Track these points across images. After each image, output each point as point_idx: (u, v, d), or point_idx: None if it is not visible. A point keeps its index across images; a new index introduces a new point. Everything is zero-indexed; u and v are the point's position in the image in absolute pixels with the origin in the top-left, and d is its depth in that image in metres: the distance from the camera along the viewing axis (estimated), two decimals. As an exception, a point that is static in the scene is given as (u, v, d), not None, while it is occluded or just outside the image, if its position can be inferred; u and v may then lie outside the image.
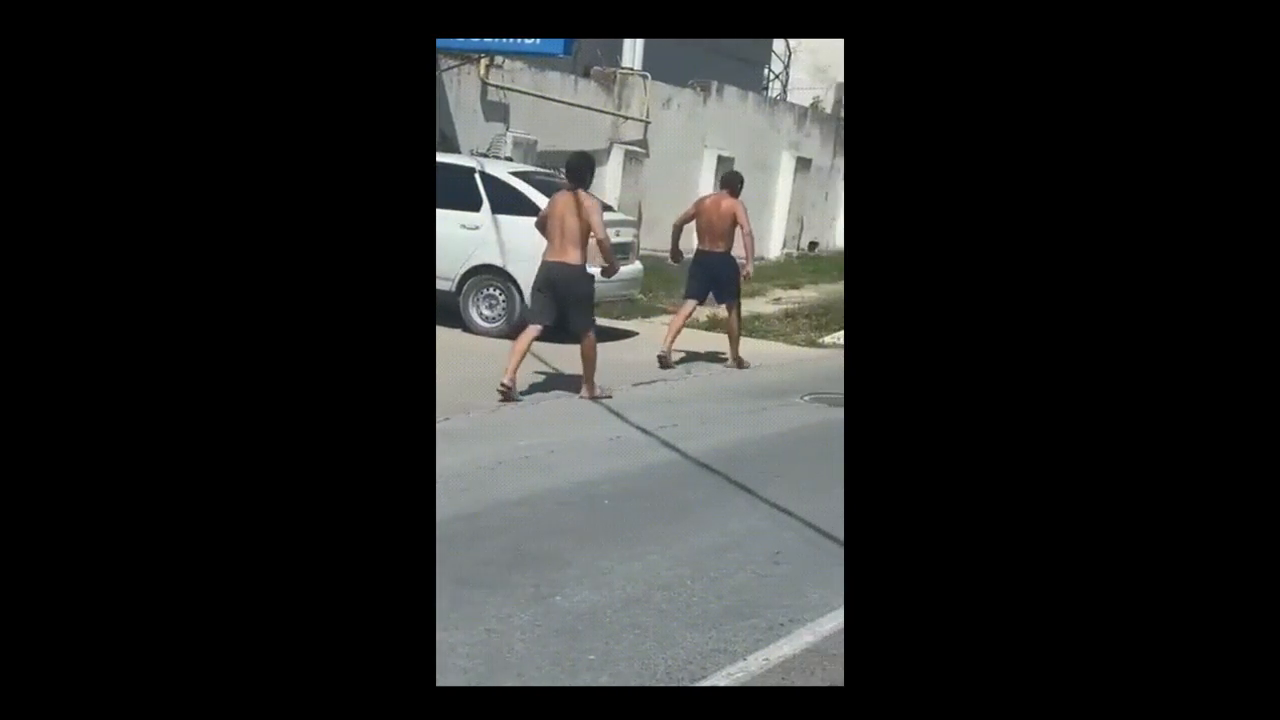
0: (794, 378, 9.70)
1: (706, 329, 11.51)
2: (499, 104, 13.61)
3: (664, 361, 9.59)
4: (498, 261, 10.30)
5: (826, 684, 3.79)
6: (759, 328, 11.60)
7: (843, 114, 21.23)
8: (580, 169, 8.24)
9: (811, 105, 21.07)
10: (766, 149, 18.28)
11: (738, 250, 9.94)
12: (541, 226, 8.23)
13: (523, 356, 7.98)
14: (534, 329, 8.08)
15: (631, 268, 10.88)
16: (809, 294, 14.39)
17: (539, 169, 11.84)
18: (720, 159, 17.07)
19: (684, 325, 9.92)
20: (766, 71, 21.98)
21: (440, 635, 3.49)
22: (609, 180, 15.03)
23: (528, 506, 5.53)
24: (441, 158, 10.22)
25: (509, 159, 12.16)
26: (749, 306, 11.48)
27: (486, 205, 10.42)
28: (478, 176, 10.53)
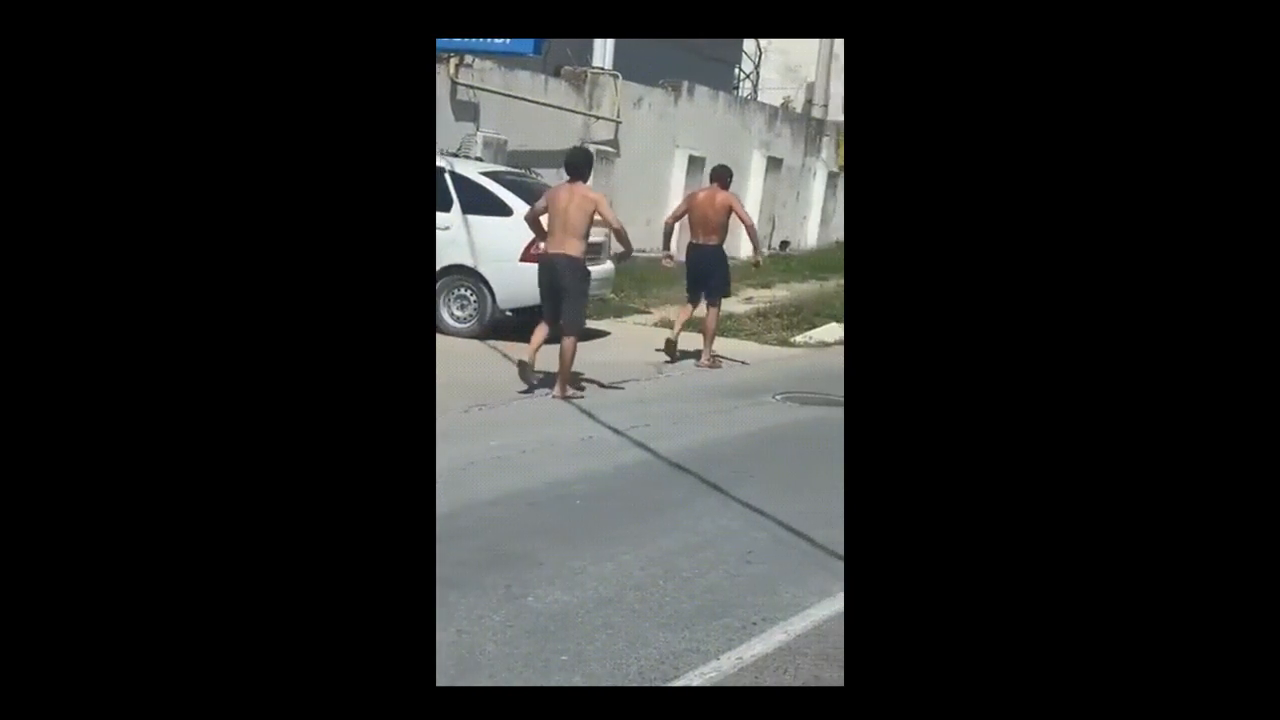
0: (766, 377, 9.72)
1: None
2: (469, 103, 13.57)
3: (670, 350, 9.82)
4: (469, 262, 10.28)
5: (799, 683, 3.80)
6: (731, 327, 11.62)
7: (812, 113, 21.30)
8: (580, 164, 8.36)
9: (782, 105, 21.12)
10: (738, 148, 18.30)
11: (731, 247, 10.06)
12: (532, 221, 8.37)
13: (536, 351, 8.23)
14: (544, 327, 8.33)
15: (602, 268, 10.87)
16: (780, 293, 14.43)
17: (509, 169, 11.82)
18: (691, 158, 17.09)
19: (685, 318, 10.07)
20: (737, 71, 22.00)
21: (411, 637, 3.47)
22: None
23: (500, 507, 5.52)
24: (412, 157, 10.16)
25: (479, 159, 12.13)
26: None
27: (457, 205, 10.39)
28: (448, 176, 10.50)
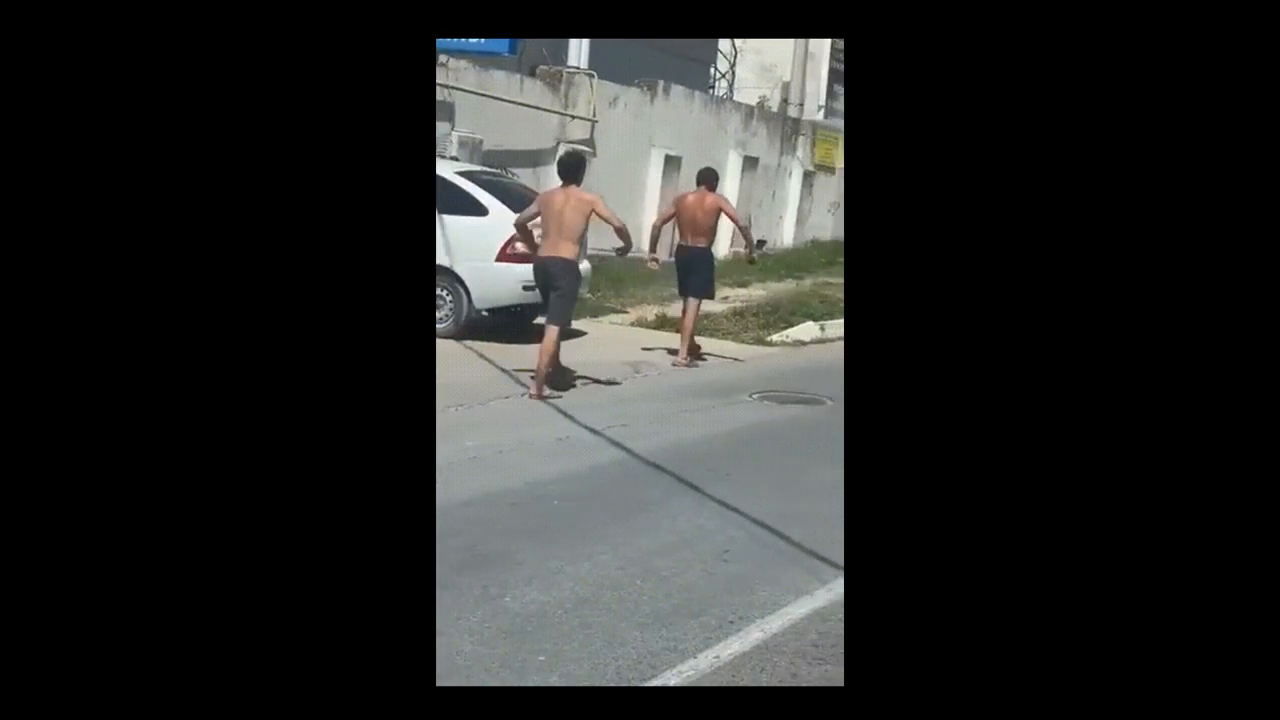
0: (742, 376, 9.74)
1: (655, 327, 11.54)
2: (444, 103, 13.53)
3: (696, 354, 9.98)
4: (445, 262, 10.25)
5: (776, 682, 3.81)
6: (707, 326, 11.62)
7: (788, 113, 21.33)
8: (573, 167, 8.51)
9: (758, 104, 21.14)
10: (714, 148, 18.31)
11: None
12: (521, 227, 8.52)
13: (557, 357, 8.33)
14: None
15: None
16: (757, 293, 14.45)
17: (485, 168, 11.80)
18: (668, 158, 17.10)
19: (694, 322, 10.16)
20: (713, 71, 22.01)
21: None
22: (556, 180, 14.98)
23: (476, 507, 5.51)
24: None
25: (454, 158, 12.11)
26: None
27: (432, 205, 10.37)
28: (424, 176, 10.45)
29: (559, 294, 8.26)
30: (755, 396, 8.85)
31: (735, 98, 21.12)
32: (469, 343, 9.99)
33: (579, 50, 16.12)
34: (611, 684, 3.73)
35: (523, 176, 13.25)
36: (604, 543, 5.11)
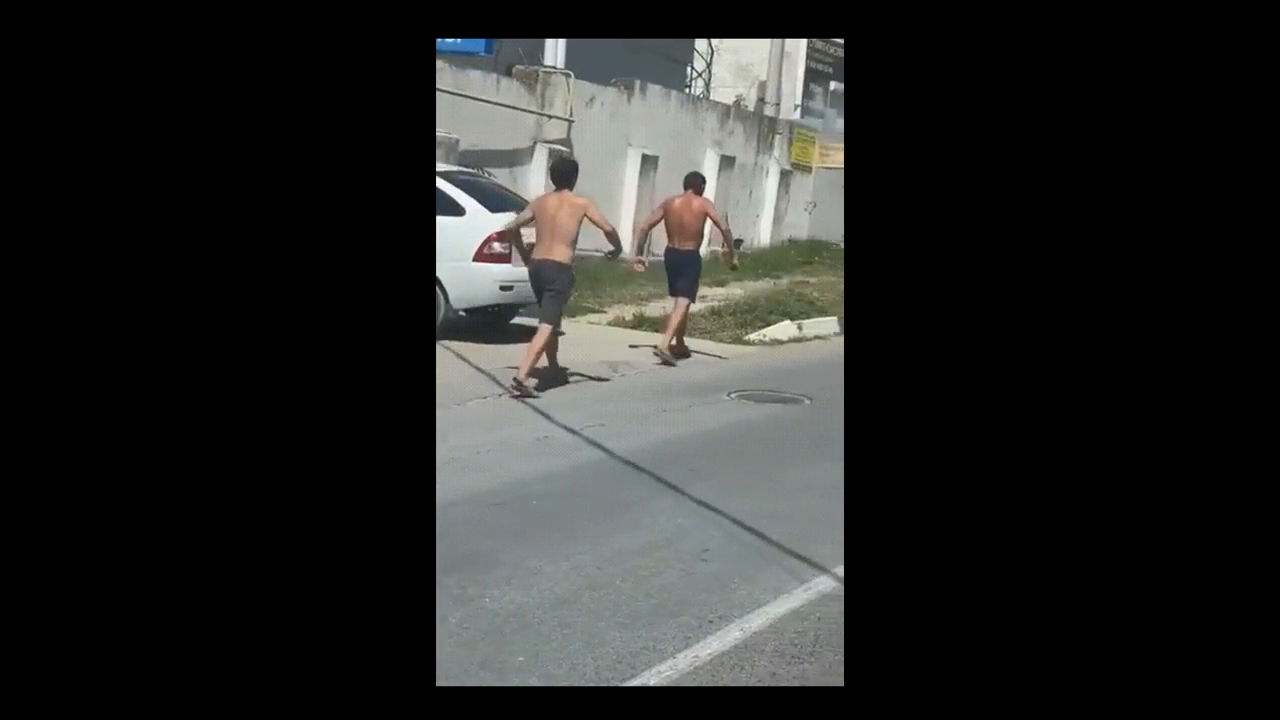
0: (720, 375, 9.75)
1: (632, 327, 11.55)
2: (421, 103, 13.49)
3: (668, 360, 10.01)
4: (421, 262, 10.21)
5: (755, 681, 3.82)
6: (685, 325, 11.62)
7: (764, 112, 21.36)
8: (566, 172, 8.64)
9: (734, 103, 21.16)
10: (691, 147, 18.32)
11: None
12: (515, 233, 8.81)
13: (555, 356, 8.63)
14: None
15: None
16: (734, 292, 14.46)
17: (462, 168, 11.77)
18: (645, 157, 17.09)
19: (683, 321, 10.31)
20: (689, 70, 22.03)
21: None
22: (533, 180, 14.97)
23: (455, 508, 5.49)
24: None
25: (432, 158, 12.06)
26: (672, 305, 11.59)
27: (409, 205, 10.33)
28: (400, 176, 10.42)
29: (552, 295, 8.42)
30: (733, 396, 8.86)
31: (712, 97, 21.14)
32: (446, 343, 9.95)
33: (555, 50, 16.10)
34: (590, 684, 3.73)
35: (499, 176, 13.23)
36: (583, 543, 5.11)
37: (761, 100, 22.15)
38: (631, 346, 10.42)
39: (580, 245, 8.74)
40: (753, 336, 11.76)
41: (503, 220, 10.13)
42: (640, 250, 10.53)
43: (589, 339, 10.78)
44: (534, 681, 3.72)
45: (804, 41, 22.88)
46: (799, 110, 23.16)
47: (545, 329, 8.38)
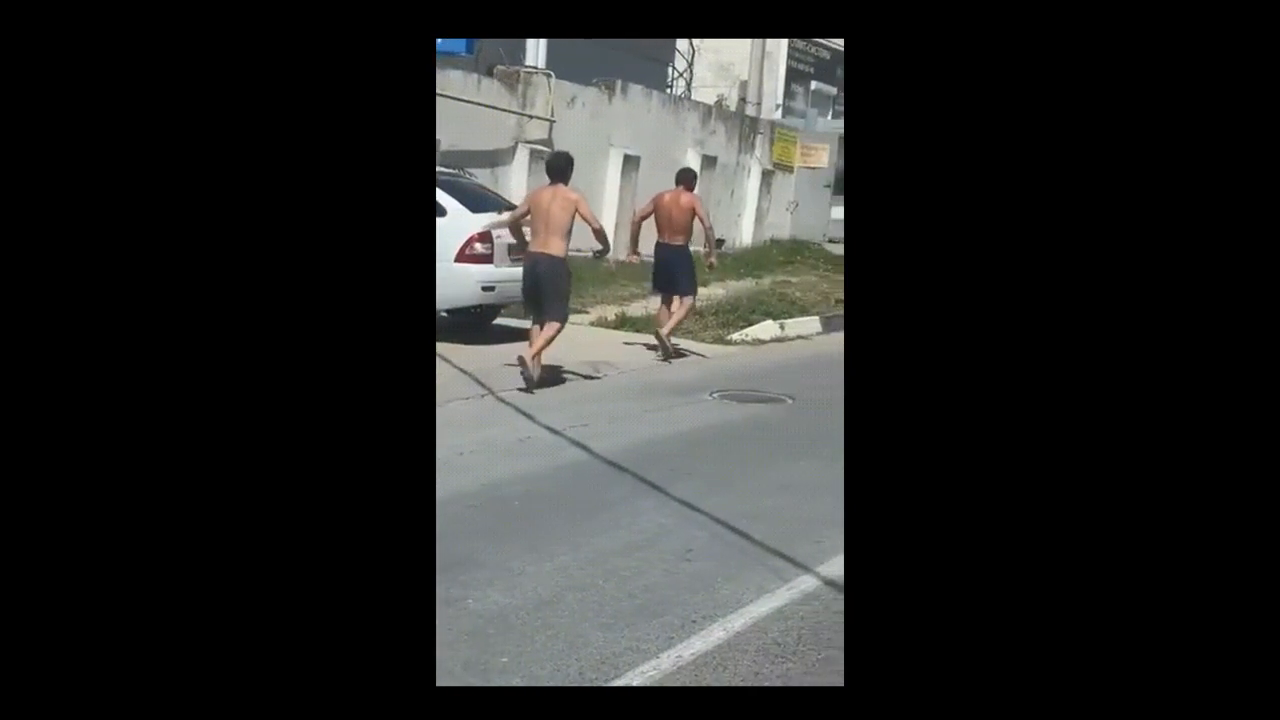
0: (702, 375, 9.75)
1: (614, 327, 11.54)
2: (401, 103, 13.46)
3: (669, 353, 10.18)
4: (402, 262, 10.19)
5: (739, 681, 3.82)
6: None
7: (746, 111, 21.38)
8: (561, 166, 8.82)
9: (716, 103, 21.17)
10: (672, 147, 18.32)
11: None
12: (514, 226, 8.89)
13: (541, 351, 8.60)
14: (536, 326, 8.71)
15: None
16: (717, 292, 14.46)
17: (442, 168, 11.74)
18: (626, 157, 17.08)
19: (670, 318, 10.39)
20: (670, 70, 22.04)
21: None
22: (515, 180, 14.95)
23: (437, 509, 5.47)
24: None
25: (412, 159, 12.02)
26: (656, 305, 11.59)
27: (390, 206, 10.30)
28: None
29: (554, 291, 8.62)
30: (716, 396, 8.86)
31: (693, 97, 21.15)
32: (428, 344, 9.94)
33: (536, 50, 16.09)
34: (574, 685, 3.72)
35: (480, 176, 13.21)
36: (565, 543, 5.10)
37: (743, 100, 22.17)
38: (626, 344, 10.51)
39: (573, 246, 8.82)
40: (735, 336, 11.77)
41: (484, 221, 10.13)
42: (634, 244, 10.65)
43: (572, 339, 10.76)
44: (517, 683, 3.71)
45: (785, 41, 22.92)
46: (780, 110, 23.19)
47: (552, 327, 8.61)
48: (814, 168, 22.26)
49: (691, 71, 22.27)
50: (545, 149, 15.37)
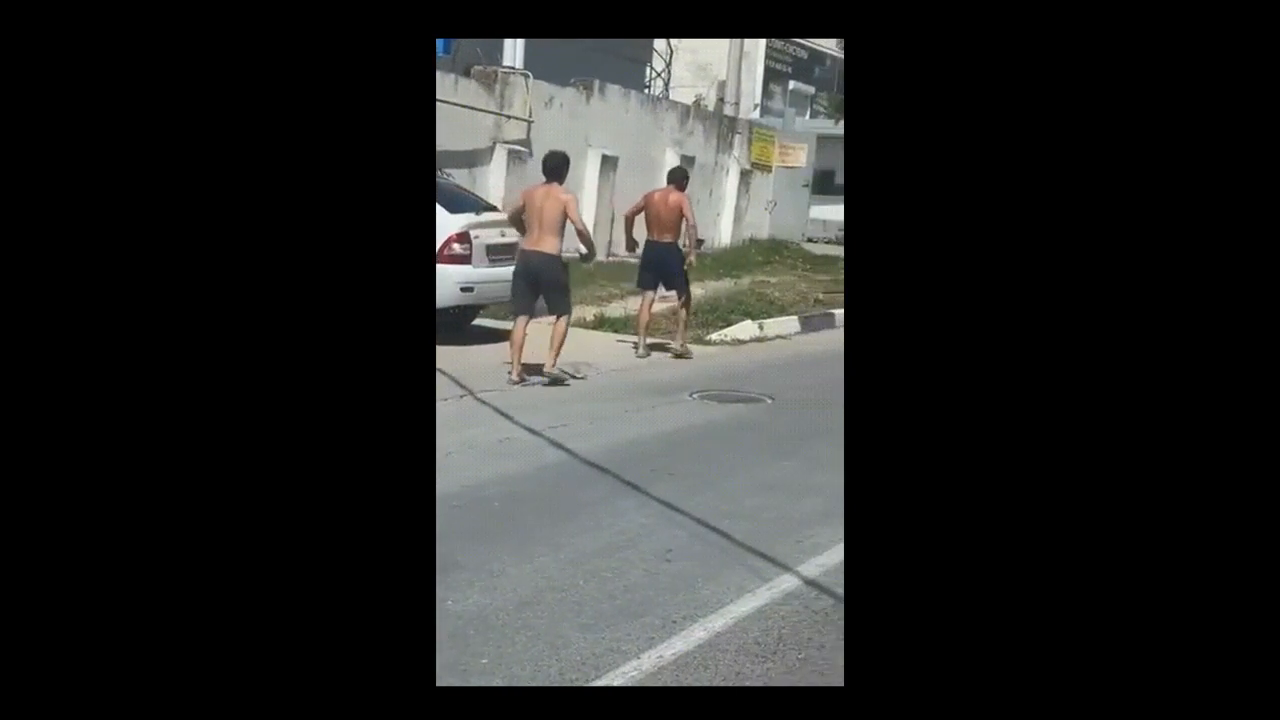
0: (682, 375, 9.75)
1: (593, 328, 11.53)
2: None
3: (641, 356, 10.33)
4: (381, 263, 10.15)
5: (720, 681, 3.82)
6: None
7: (724, 111, 21.40)
8: (556, 165, 9.01)
9: (694, 103, 21.19)
10: (650, 147, 18.33)
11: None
12: (515, 220, 9.08)
13: (522, 347, 8.81)
14: (522, 319, 8.90)
15: (508, 269, 10.84)
16: (696, 292, 14.45)
17: (421, 169, 11.70)
18: (605, 158, 17.08)
19: (650, 316, 10.64)
20: (648, 70, 22.05)
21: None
22: (493, 180, 14.94)
23: (416, 511, 5.47)
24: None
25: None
26: (636, 304, 11.59)
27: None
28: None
29: (555, 285, 8.87)
30: (695, 396, 8.87)
31: (671, 97, 21.16)
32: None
33: (514, 50, 16.07)
34: (556, 686, 3.72)
35: (458, 177, 13.18)
36: (546, 544, 5.09)
37: (721, 100, 22.19)
38: (619, 342, 10.68)
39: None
40: (714, 336, 11.78)
41: (462, 221, 10.13)
42: (630, 238, 10.86)
43: (549, 339, 10.75)
44: (498, 684, 3.70)
45: (762, 41, 22.96)
46: (758, 109, 23.24)
47: (563, 323, 8.91)
48: (792, 167, 22.31)
49: (669, 71, 22.29)
50: (523, 149, 15.37)
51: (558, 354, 8.91)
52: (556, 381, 8.83)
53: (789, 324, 12.74)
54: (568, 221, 8.82)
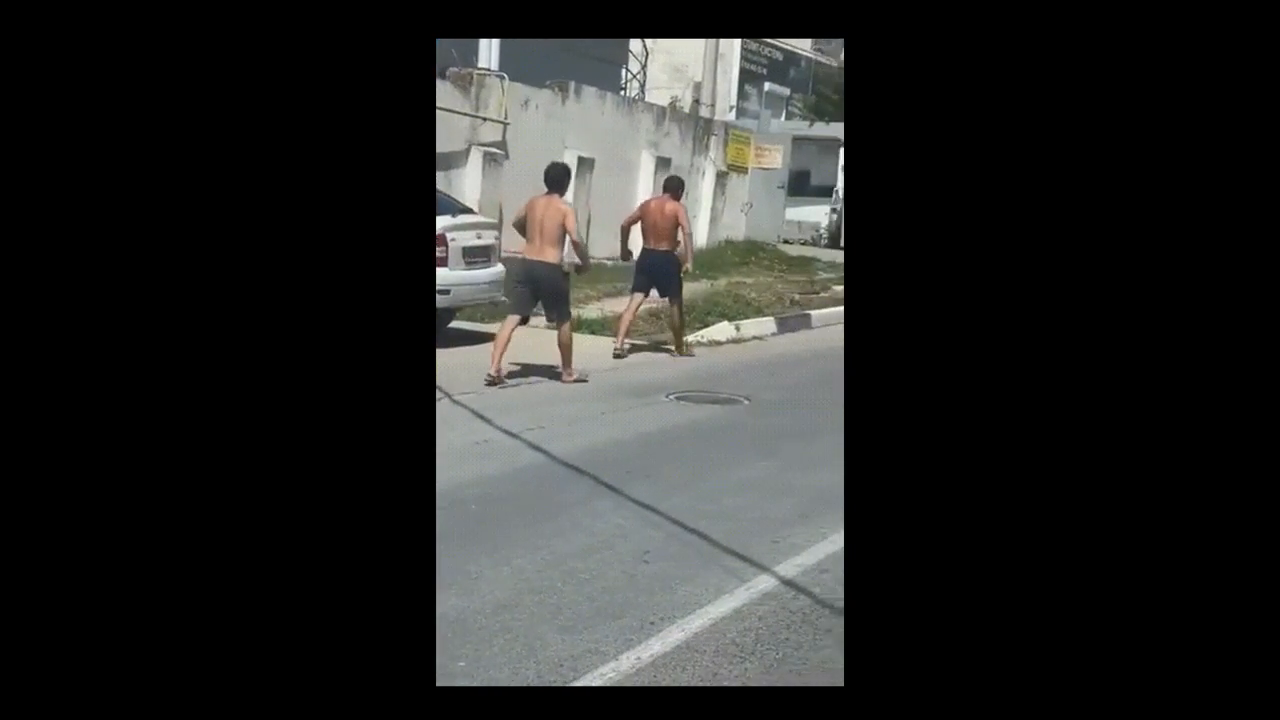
0: (659, 377, 9.76)
1: (573, 330, 11.51)
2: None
3: (618, 354, 10.47)
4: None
5: (697, 682, 3.83)
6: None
7: (700, 113, 21.43)
8: (558, 177, 9.28)
9: (670, 105, 21.20)
10: (627, 149, 18.33)
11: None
12: (519, 227, 9.30)
13: (506, 346, 8.96)
14: (514, 319, 9.11)
15: (492, 270, 10.86)
16: (672, 293, 14.47)
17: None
18: (581, 159, 17.06)
19: (633, 318, 10.86)
20: (624, 71, 22.04)
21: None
22: (469, 182, 14.90)
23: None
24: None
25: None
26: (613, 306, 11.60)
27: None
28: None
29: (556, 295, 9.12)
30: (672, 397, 8.88)
31: (647, 98, 21.16)
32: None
33: (489, 51, 16.03)
34: (532, 686, 3.72)
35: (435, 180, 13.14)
36: (523, 546, 5.09)
37: (696, 101, 22.20)
38: (596, 343, 10.72)
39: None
40: (691, 338, 11.78)
41: (438, 224, 10.10)
42: (626, 246, 11.04)
43: (533, 342, 10.75)
44: (476, 686, 3.70)
45: (738, 42, 22.98)
46: (734, 111, 23.26)
47: (566, 327, 9.18)
48: (767, 169, 22.33)
49: (645, 73, 22.29)
50: (499, 151, 15.34)
51: (570, 357, 9.20)
52: (580, 380, 9.15)
53: (766, 325, 12.76)
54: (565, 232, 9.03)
